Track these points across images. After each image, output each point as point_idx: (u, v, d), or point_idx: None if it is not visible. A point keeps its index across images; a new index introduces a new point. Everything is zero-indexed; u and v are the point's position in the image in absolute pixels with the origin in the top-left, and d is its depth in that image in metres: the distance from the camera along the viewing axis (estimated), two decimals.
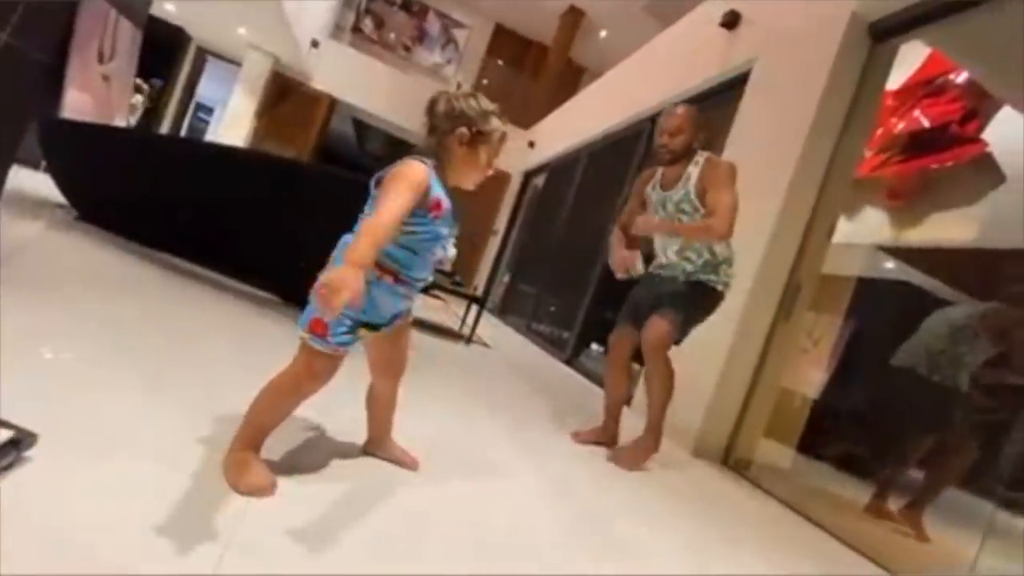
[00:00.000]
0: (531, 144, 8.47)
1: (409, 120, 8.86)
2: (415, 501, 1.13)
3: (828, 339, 4.73)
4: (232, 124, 8.19)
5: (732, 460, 2.60)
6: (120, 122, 5.72)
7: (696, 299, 2.02)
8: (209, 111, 11.56)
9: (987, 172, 3.83)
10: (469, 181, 1.12)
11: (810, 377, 4.57)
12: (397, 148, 10.09)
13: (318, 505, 0.97)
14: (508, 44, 10.43)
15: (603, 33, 9.47)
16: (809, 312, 4.30)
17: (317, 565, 0.81)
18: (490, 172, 1.14)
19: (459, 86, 1.09)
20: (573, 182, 6.24)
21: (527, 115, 9.03)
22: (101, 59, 5.19)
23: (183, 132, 9.47)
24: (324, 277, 0.82)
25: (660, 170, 2.15)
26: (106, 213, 2.94)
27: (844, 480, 3.57)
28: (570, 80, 9.68)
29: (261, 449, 0.99)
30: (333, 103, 8.62)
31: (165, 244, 2.80)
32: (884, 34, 2.62)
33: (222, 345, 1.83)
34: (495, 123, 1.10)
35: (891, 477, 2.79)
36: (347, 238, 1.01)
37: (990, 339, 2.62)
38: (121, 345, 1.45)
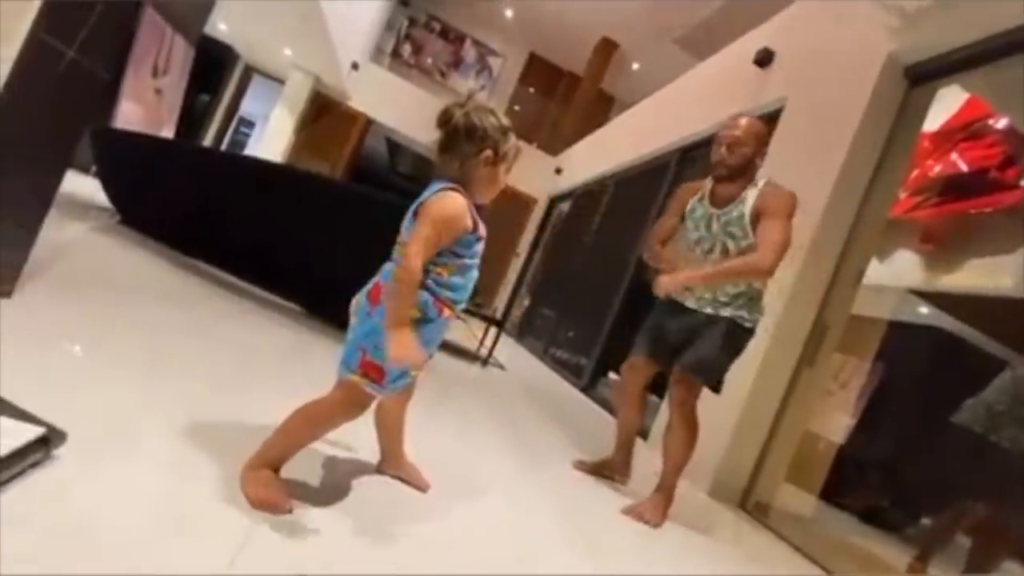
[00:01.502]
0: (558, 171, 8.56)
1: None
2: (419, 528, 1.12)
3: (856, 382, 4.57)
4: (272, 138, 8.51)
5: (750, 504, 2.52)
6: (167, 135, 6.01)
7: (730, 344, 1.83)
8: (251, 125, 12.05)
9: None
10: (487, 197, 1.12)
11: (835, 421, 4.41)
12: (427, 168, 10.30)
13: (324, 525, 0.97)
14: (541, 72, 10.65)
15: (635, 65, 9.60)
16: (836, 353, 4.19)
17: None
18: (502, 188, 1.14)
19: (470, 96, 1.06)
20: (598, 210, 6.26)
21: (556, 142, 9.15)
22: (155, 73, 5.49)
23: (225, 144, 9.87)
24: (391, 357, 0.91)
25: (708, 184, 1.96)
26: (147, 219, 3.06)
27: (867, 533, 3.41)
28: (600, 109, 9.81)
29: (280, 471, 0.99)
30: (368, 122, 8.90)
31: (200, 252, 2.89)
32: (921, 78, 2.59)
33: (247, 353, 1.87)
34: (512, 140, 1.10)
35: (936, 539, 2.62)
36: (390, 266, 1.02)
37: None
38: (147, 348, 1.50)
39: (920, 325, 4.55)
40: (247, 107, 10.43)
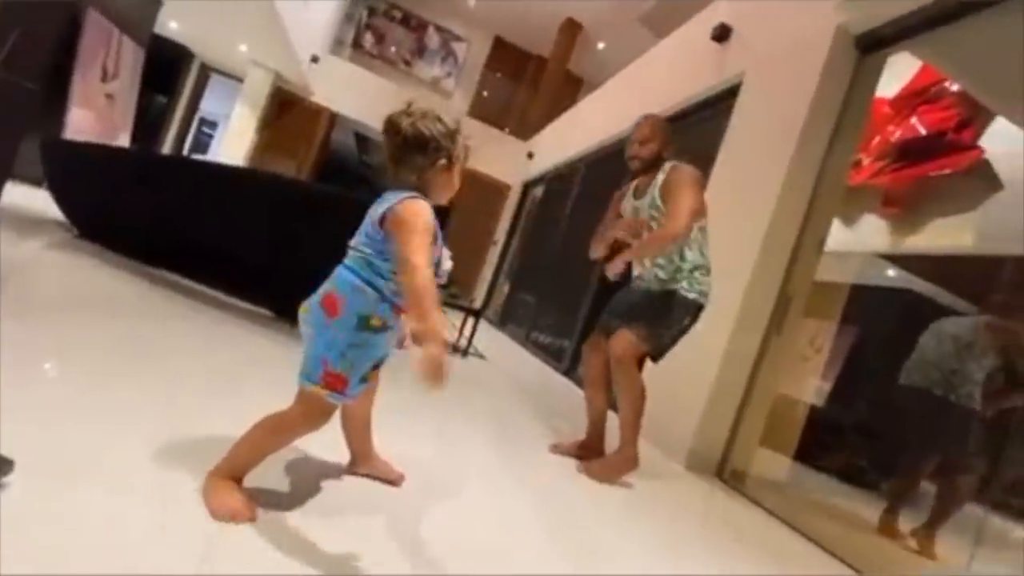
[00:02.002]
0: (530, 155, 8.53)
1: None
2: (395, 523, 1.14)
3: (831, 347, 4.71)
4: (234, 138, 8.30)
5: (727, 473, 2.59)
6: (123, 139, 5.82)
7: (666, 310, 2.00)
8: (213, 125, 11.73)
9: (984, 179, 3.83)
10: (445, 198, 1.13)
11: (810, 385, 4.55)
12: None
13: (297, 530, 0.97)
14: (507, 57, 10.53)
15: (600, 45, 9.55)
16: (811, 319, 4.29)
17: None
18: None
19: (410, 105, 1.06)
20: (571, 192, 6.27)
21: (526, 127, 9.10)
22: (104, 77, 5.29)
23: (188, 146, 9.60)
24: (427, 366, 0.86)
25: (634, 183, 2.22)
26: (105, 231, 2.98)
27: (844, 492, 3.53)
28: (569, 91, 9.76)
29: (243, 480, 0.99)
30: (334, 117, 8.73)
31: (163, 261, 2.83)
32: (871, 46, 2.63)
33: (213, 364, 1.84)
34: (461, 140, 1.10)
35: (902, 494, 2.74)
36: (345, 275, 1.01)
37: (994, 353, 2.57)
38: (110, 367, 1.47)
39: (891, 288, 4.69)
40: (208, 107, 10.13)
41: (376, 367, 1.09)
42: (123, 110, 5.81)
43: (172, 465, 1.04)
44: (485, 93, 10.45)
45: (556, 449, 2.10)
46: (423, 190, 1.06)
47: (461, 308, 4.05)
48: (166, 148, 8.66)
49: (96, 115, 5.24)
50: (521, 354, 5.28)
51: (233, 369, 1.85)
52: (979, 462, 2.55)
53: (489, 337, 5.31)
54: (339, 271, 1.03)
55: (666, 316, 1.99)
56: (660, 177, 2.07)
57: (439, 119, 1.06)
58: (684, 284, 2.01)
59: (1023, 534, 2.99)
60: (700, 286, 2.02)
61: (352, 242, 1.06)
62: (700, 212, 1.99)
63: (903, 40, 2.56)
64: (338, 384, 0.99)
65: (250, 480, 1.00)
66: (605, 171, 5.55)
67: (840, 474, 3.70)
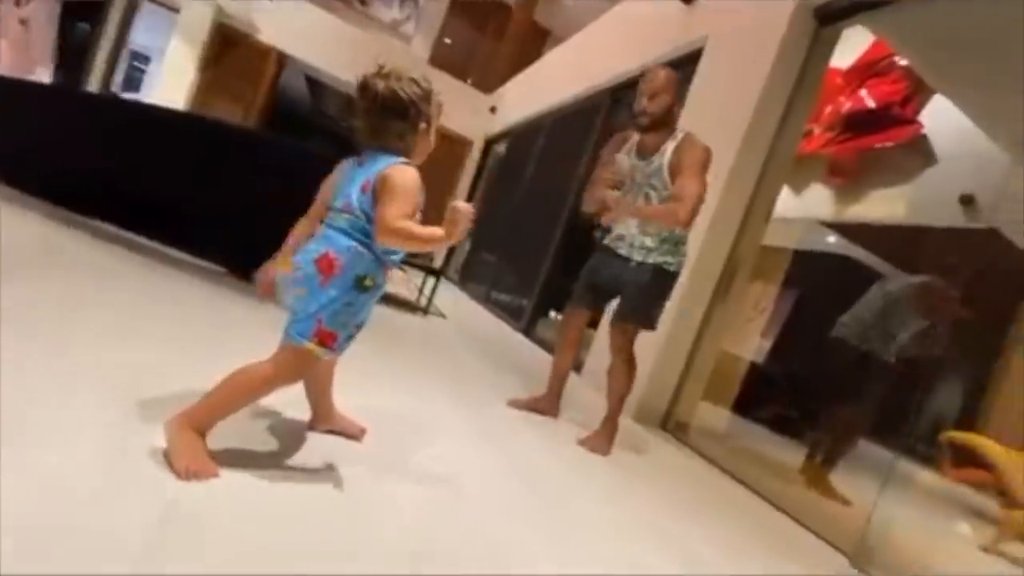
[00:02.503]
0: (493, 110, 8.32)
1: None
2: (357, 480, 1.18)
3: (772, 308, 5.02)
4: (172, 76, 7.64)
5: (671, 425, 2.78)
6: (43, 75, 5.27)
7: (658, 292, 2.04)
8: (146, 60, 10.74)
9: (921, 153, 4.06)
10: (422, 158, 1.15)
11: (751, 343, 4.86)
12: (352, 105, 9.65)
13: (257, 490, 0.98)
14: (471, 3, 10.04)
15: None
16: (757, 282, 4.54)
17: (253, 561, 0.85)
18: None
19: (382, 67, 1.05)
20: (534, 151, 6.21)
21: (489, 78, 8.82)
22: (18, 2, 4.73)
23: (118, 83, 8.77)
24: (450, 228, 1.03)
25: (635, 136, 2.07)
26: (31, 176, 2.75)
27: (774, 441, 3.86)
28: (535, 43, 9.46)
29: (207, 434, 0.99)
30: (283, 58, 8.16)
31: (96, 211, 2.65)
32: (829, 18, 2.70)
33: (168, 324, 1.79)
34: (435, 100, 1.11)
35: (821, 442, 3.00)
36: (338, 236, 1.03)
37: (919, 312, 2.75)
38: (54, 328, 1.41)
39: (830, 254, 4.99)
40: (139, 39, 9.22)
41: (358, 327, 1.11)
42: (41, 39, 5.23)
43: (129, 425, 1.04)
44: (447, 40, 9.99)
45: (515, 404, 2.19)
46: (406, 153, 1.09)
47: (421, 268, 4.03)
48: (93, 85, 7.90)
49: (8, 43, 4.70)
50: (481, 313, 5.34)
51: (189, 328, 1.81)
52: (864, 412, 2.76)
53: (450, 296, 5.33)
54: (330, 233, 1.05)
55: (659, 298, 2.05)
56: (670, 146, 1.96)
57: (414, 80, 1.06)
58: (670, 258, 2.02)
59: (927, 476, 3.39)
60: (682, 257, 2.06)
61: (337, 204, 1.07)
62: (704, 200, 1.92)
63: (859, 13, 2.63)
64: (328, 340, 1.02)
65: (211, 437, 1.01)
66: (568, 130, 5.52)
67: (772, 424, 4.03)
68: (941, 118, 3.75)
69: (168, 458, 0.94)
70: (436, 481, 1.30)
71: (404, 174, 1.04)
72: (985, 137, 3.36)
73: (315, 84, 9.56)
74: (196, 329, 1.81)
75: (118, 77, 8.85)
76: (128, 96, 8.78)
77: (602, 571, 1.19)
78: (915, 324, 2.76)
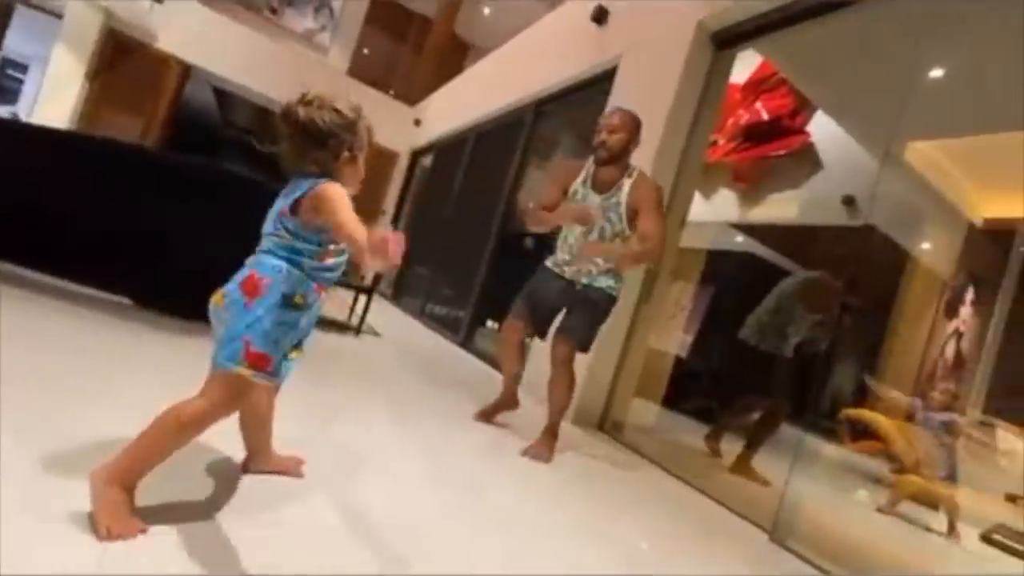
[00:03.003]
0: (417, 122, 8.29)
1: (281, 91, 8.09)
2: (301, 518, 1.16)
3: (691, 304, 5.38)
4: (57, 86, 6.92)
5: (608, 425, 2.91)
6: None
7: (598, 313, 2.16)
8: (23, 69, 9.66)
9: (809, 160, 4.55)
10: (354, 187, 1.12)
11: (675, 339, 5.18)
12: (267, 121, 9.21)
13: (187, 547, 0.93)
14: (389, 13, 9.94)
15: (486, 10, 9.41)
16: (676, 282, 4.85)
17: None
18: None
19: (305, 94, 1.04)
20: (461, 163, 6.25)
21: (412, 90, 8.77)
22: None
23: None
24: (372, 245, 0.89)
25: (589, 167, 2.17)
26: None
27: (699, 430, 4.12)
28: (456, 56, 9.55)
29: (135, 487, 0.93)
30: (187, 68, 7.65)
31: None
32: (724, 43, 2.97)
33: (75, 362, 1.64)
34: (363, 124, 1.09)
35: (727, 423, 3.30)
36: (265, 258, 1.02)
37: (806, 307, 2.99)
38: None
39: (738, 252, 5.43)
40: (14, 46, 8.30)
41: (296, 346, 1.08)
42: None
43: (41, 476, 0.95)
44: (366, 51, 9.82)
45: (484, 417, 2.30)
46: (332, 179, 1.06)
47: (351, 287, 3.93)
48: None
49: None
50: (417, 327, 5.28)
51: (99, 366, 1.66)
52: (785, 398, 3.00)
53: (383, 312, 5.23)
54: (258, 256, 1.04)
55: (599, 318, 2.17)
56: (627, 183, 2.10)
57: (336, 110, 1.04)
58: (612, 283, 2.15)
59: (831, 449, 3.78)
60: (621, 283, 2.19)
61: (265, 229, 1.06)
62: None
63: (749, 39, 2.93)
64: (261, 363, 0.99)
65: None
66: (494, 144, 5.62)
67: (696, 415, 4.32)
68: (824, 129, 4.23)
69: (93, 516, 0.87)
70: (378, 509, 1.30)
71: (335, 187, 1.02)
72: (858, 145, 3.83)
73: (223, 95, 9.04)
74: (108, 366, 1.67)
75: None
76: (4, 110, 7.86)
77: (543, 571, 1.24)
78: (804, 320, 2.98)
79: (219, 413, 0.98)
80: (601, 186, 2.13)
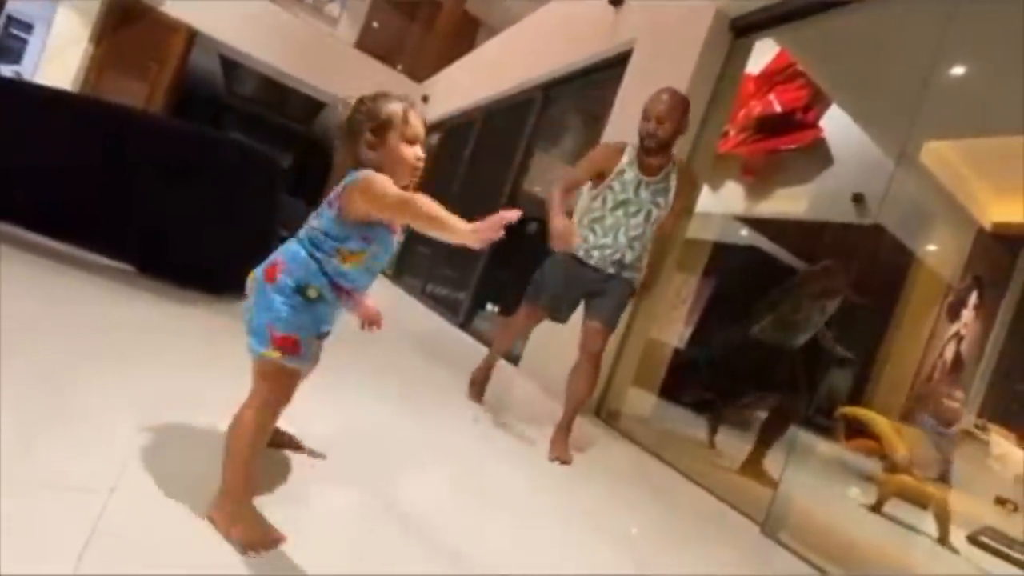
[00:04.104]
0: (425, 99, 8.17)
1: (287, 62, 8.01)
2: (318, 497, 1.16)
3: (693, 297, 5.36)
4: (61, 48, 6.84)
5: (604, 413, 2.92)
6: None
7: (627, 298, 2.19)
8: (27, 28, 9.50)
9: (820, 156, 4.49)
10: (404, 179, 1.05)
11: (675, 330, 5.18)
12: (274, 92, 9.11)
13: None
14: None
15: None
16: (679, 274, 4.83)
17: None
18: (421, 157, 1.08)
19: (344, 104, 1.05)
20: (468, 143, 6.18)
21: (421, 67, 8.64)
22: None
23: None
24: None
25: (631, 151, 2.12)
26: None
27: (696, 422, 4.14)
28: (466, 34, 9.37)
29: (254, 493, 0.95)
30: (193, 35, 7.52)
31: None
32: (742, 30, 2.90)
33: (94, 330, 1.63)
34: (390, 105, 1.04)
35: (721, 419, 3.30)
36: (292, 245, 1.01)
37: (812, 292, 2.92)
38: None
39: (743, 246, 5.40)
40: (18, 4, 8.15)
41: (319, 338, 1.07)
42: None
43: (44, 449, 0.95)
44: (375, 24, 9.65)
45: (472, 396, 2.32)
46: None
47: None
48: None
49: None
50: (417, 307, 5.28)
51: (123, 342, 1.65)
52: (797, 395, 2.99)
53: (384, 290, 5.22)
54: (288, 242, 1.03)
55: (625, 304, 2.19)
56: (674, 175, 2.13)
57: (359, 100, 1.05)
58: (636, 275, 2.18)
59: (826, 447, 3.80)
60: (641, 274, 2.21)
61: (309, 219, 1.04)
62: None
63: (769, 27, 2.86)
64: (290, 346, 0.97)
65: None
66: (502, 124, 5.54)
67: (693, 407, 4.33)
68: (837, 124, 4.16)
69: (228, 538, 0.89)
70: (384, 490, 1.30)
71: (370, 175, 0.98)
72: (872, 143, 3.77)
73: (229, 64, 8.91)
74: (133, 339, 1.66)
75: None
76: (8, 68, 7.76)
77: (530, 554, 1.24)
78: (815, 310, 2.93)
79: (273, 402, 0.98)
80: (649, 169, 2.12)
